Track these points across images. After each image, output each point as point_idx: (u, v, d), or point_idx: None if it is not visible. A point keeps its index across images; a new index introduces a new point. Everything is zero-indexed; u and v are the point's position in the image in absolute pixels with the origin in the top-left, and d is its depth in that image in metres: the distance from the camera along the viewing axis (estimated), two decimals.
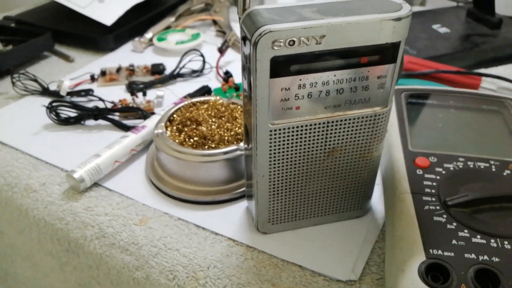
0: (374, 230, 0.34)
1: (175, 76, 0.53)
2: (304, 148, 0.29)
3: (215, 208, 0.36)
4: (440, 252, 0.25)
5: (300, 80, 0.26)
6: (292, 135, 0.28)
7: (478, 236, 0.26)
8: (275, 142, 0.28)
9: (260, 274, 0.30)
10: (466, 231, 0.26)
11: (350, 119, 0.28)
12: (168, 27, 0.65)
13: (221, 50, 0.55)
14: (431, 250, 0.25)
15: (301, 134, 0.28)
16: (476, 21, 0.63)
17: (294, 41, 0.24)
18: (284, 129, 0.28)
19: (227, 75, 0.52)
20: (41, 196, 0.38)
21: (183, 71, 0.54)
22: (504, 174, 0.31)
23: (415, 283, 0.24)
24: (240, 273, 0.30)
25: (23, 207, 0.38)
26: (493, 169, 0.31)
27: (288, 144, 0.28)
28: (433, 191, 0.29)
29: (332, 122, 0.28)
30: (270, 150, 0.29)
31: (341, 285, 0.30)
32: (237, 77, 0.53)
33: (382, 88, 0.28)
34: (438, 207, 0.28)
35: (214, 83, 0.53)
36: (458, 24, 0.63)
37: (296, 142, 0.29)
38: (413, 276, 0.24)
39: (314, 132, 0.28)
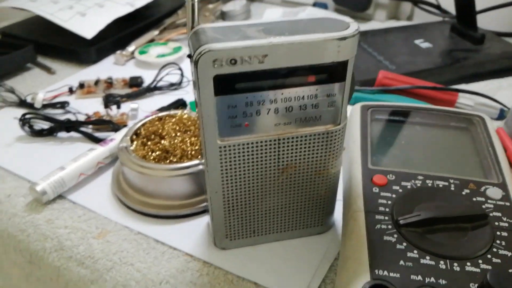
0: (335, 247, 0.33)
1: (152, 89, 0.53)
2: (256, 165, 0.29)
3: (176, 223, 0.36)
4: (386, 273, 0.25)
5: (247, 98, 0.26)
6: (243, 152, 0.28)
7: (428, 257, 0.26)
8: (225, 158, 0.28)
9: None
10: (415, 251, 0.26)
11: (302, 137, 0.28)
12: (151, 40, 0.65)
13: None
14: (376, 271, 0.25)
15: (252, 151, 0.28)
16: (460, 36, 0.63)
17: (236, 60, 0.24)
18: (233, 145, 0.28)
19: None
20: (6, 207, 0.38)
21: (161, 84, 0.54)
22: (463, 193, 0.30)
23: None
24: None
25: None
26: (452, 188, 0.30)
27: (239, 160, 0.28)
28: (387, 209, 0.29)
29: (283, 139, 0.28)
30: (222, 167, 0.28)
31: None
32: None
33: (333, 106, 0.28)
34: (390, 226, 0.28)
35: (191, 96, 0.53)
36: (441, 39, 0.62)
37: (248, 159, 0.28)
38: None
39: (266, 149, 0.28)
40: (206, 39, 0.24)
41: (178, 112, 0.41)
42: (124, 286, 0.31)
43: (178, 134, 0.38)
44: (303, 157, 0.29)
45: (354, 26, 0.26)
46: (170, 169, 0.35)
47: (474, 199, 0.30)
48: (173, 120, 0.40)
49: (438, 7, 0.74)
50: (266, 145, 0.28)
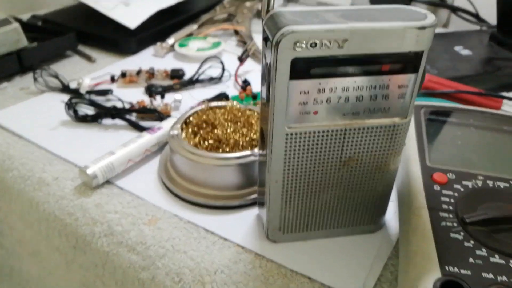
0: (387, 246, 0.33)
1: (193, 81, 0.53)
2: (320, 155, 0.28)
3: (225, 213, 0.36)
4: (456, 269, 0.24)
5: (320, 84, 0.26)
6: (308, 141, 0.28)
7: (497, 256, 0.25)
8: (290, 146, 0.28)
9: (268, 283, 0.30)
10: (484, 250, 0.25)
11: (368, 128, 0.28)
12: (190, 34, 0.65)
13: (241, 59, 0.55)
14: (447, 267, 0.24)
15: (318, 140, 0.28)
16: (499, 45, 0.62)
17: (316, 43, 0.24)
18: (300, 133, 0.27)
19: (245, 84, 0.52)
20: (53, 190, 0.38)
21: (202, 77, 0.54)
22: None
23: None
24: (248, 280, 0.30)
25: (34, 200, 0.38)
26: None
27: (303, 149, 0.28)
28: (450, 207, 0.28)
29: (350, 130, 0.28)
30: (285, 155, 0.28)
31: None
32: (255, 86, 0.53)
33: (403, 98, 0.27)
34: (455, 224, 0.27)
35: (232, 90, 0.53)
36: (480, 48, 0.62)
37: (312, 148, 0.28)
38: None
39: (331, 139, 0.28)
40: (287, 22, 0.24)
41: (228, 103, 0.41)
42: (178, 274, 0.30)
43: (229, 124, 0.38)
44: (366, 150, 0.29)
45: (432, 17, 0.25)
46: (222, 158, 0.35)
47: None
48: (221, 110, 0.40)
49: (476, 15, 0.73)
50: (332, 135, 0.28)
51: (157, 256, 0.32)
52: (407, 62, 0.26)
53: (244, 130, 0.38)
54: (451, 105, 0.39)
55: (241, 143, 0.37)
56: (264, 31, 0.26)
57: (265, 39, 0.26)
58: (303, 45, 0.24)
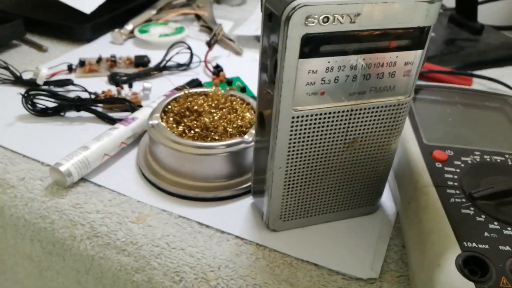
0: (387, 227, 0.32)
1: (161, 68, 0.50)
2: (325, 138, 0.27)
3: (217, 205, 0.34)
4: (474, 244, 0.24)
5: (329, 62, 0.25)
6: (314, 123, 0.26)
7: (509, 228, 0.25)
8: (296, 130, 0.26)
9: (275, 274, 0.28)
10: (496, 223, 0.26)
11: (374, 108, 0.27)
12: (148, 20, 0.62)
13: (210, 44, 0.52)
14: (465, 243, 0.24)
15: (324, 122, 0.27)
16: (458, 26, 0.64)
17: (328, 18, 0.23)
18: (307, 116, 0.26)
19: (218, 69, 0.50)
20: (20, 192, 0.34)
21: (168, 64, 0.51)
22: None
23: (453, 277, 0.23)
24: (255, 273, 0.28)
25: None
26: (510, 163, 0.30)
27: (309, 132, 0.27)
28: (455, 184, 0.28)
29: (356, 110, 0.27)
30: (290, 139, 0.27)
31: (361, 283, 0.28)
32: (229, 72, 0.50)
33: (408, 75, 0.27)
34: (464, 200, 0.27)
35: (203, 77, 0.50)
36: (441, 29, 0.64)
37: (318, 131, 0.27)
38: (451, 269, 0.23)
39: (337, 121, 0.27)
40: None
41: (209, 89, 0.38)
42: (177, 272, 0.28)
43: (214, 111, 0.36)
44: (371, 130, 0.28)
45: None
46: (212, 147, 0.33)
47: None
48: (203, 97, 0.38)
49: None
50: (338, 116, 0.27)
51: (152, 255, 0.29)
52: (414, 38, 0.25)
53: (232, 116, 0.35)
54: (434, 83, 0.40)
55: (229, 130, 0.35)
56: (266, 8, 0.24)
57: (269, 16, 0.24)
58: (315, 20, 0.22)
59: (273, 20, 0.24)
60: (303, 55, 0.24)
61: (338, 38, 0.24)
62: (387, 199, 0.35)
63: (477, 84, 0.50)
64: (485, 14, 0.66)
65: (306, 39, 0.23)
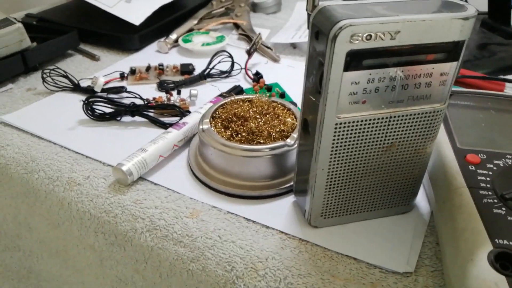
0: (422, 225, 0.34)
1: (205, 76, 0.53)
2: (365, 143, 0.30)
3: (261, 203, 0.37)
4: (506, 242, 0.26)
5: (370, 74, 0.27)
6: (356, 129, 0.29)
7: None
8: (338, 135, 0.29)
9: (317, 266, 0.31)
10: None
11: (411, 115, 0.29)
12: (190, 30, 0.65)
13: (249, 52, 0.56)
14: (497, 240, 0.26)
15: (364, 128, 0.29)
16: (491, 31, 0.65)
17: (371, 36, 0.25)
18: (349, 122, 0.29)
19: (258, 76, 0.53)
20: (86, 189, 0.38)
21: (212, 72, 0.54)
22: None
23: (485, 271, 0.25)
24: (299, 265, 0.31)
25: (66, 200, 0.38)
26: None
27: (350, 138, 0.29)
28: (488, 185, 0.30)
29: (394, 117, 0.29)
30: (333, 144, 0.29)
31: (398, 277, 0.30)
32: (267, 78, 0.54)
33: (443, 85, 0.29)
34: (495, 200, 0.29)
35: (243, 83, 0.54)
36: (474, 34, 0.65)
37: (359, 136, 0.29)
38: (483, 264, 0.25)
39: (377, 127, 0.29)
40: (340, 15, 0.25)
41: (253, 96, 0.41)
42: (229, 262, 0.31)
43: (258, 116, 0.39)
44: (407, 136, 0.30)
45: (472, 8, 0.27)
46: (257, 150, 0.36)
47: None
48: (247, 104, 0.41)
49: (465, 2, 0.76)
50: (378, 122, 0.29)
51: (205, 247, 0.32)
52: (450, 51, 0.28)
53: (275, 121, 0.38)
54: (467, 90, 0.41)
55: (272, 134, 0.38)
56: (313, 26, 0.27)
57: (316, 33, 0.27)
58: (359, 38, 0.25)
59: (320, 37, 0.27)
60: (347, 68, 0.26)
61: (380, 53, 0.26)
62: (421, 200, 0.37)
63: (510, 89, 0.51)
64: None
65: (350, 55, 0.26)
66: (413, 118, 0.30)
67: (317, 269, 0.31)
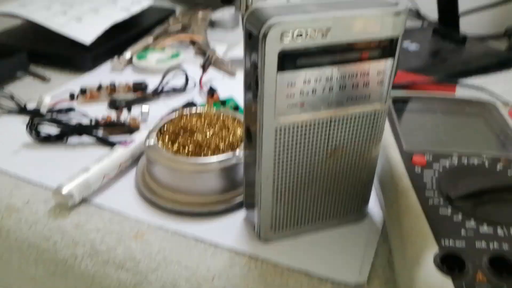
0: (375, 234, 0.33)
1: (158, 93, 0.52)
2: (308, 147, 0.29)
3: (211, 219, 0.35)
4: (451, 243, 0.25)
5: (306, 75, 0.26)
6: (297, 133, 0.28)
7: (485, 226, 0.26)
8: (280, 140, 0.28)
9: (267, 283, 0.29)
10: (472, 222, 0.27)
11: (352, 117, 0.29)
12: (146, 47, 0.64)
13: (204, 67, 0.55)
14: (443, 242, 0.25)
15: (305, 132, 0.28)
16: (442, 38, 0.66)
17: (301, 34, 0.25)
18: (288, 127, 0.28)
19: (212, 91, 0.52)
20: (25, 215, 0.36)
21: (165, 88, 0.53)
22: (497, 169, 0.32)
23: (432, 274, 0.24)
24: (246, 283, 0.29)
25: (4, 228, 0.36)
26: (486, 165, 0.32)
27: (292, 142, 0.28)
28: (433, 187, 0.30)
29: (335, 120, 0.28)
30: (275, 149, 0.28)
31: None
32: (223, 93, 0.53)
33: (381, 84, 0.29)
34: (441, 201, 0.28)
35: (198, 99, 0.52)
36: (426, 42, 0.66)
37: (300, 140, 0.28)
38: (430, 267, 0.24)
39: (318, 130, 0.28)
40: (271, 15, 0.24)
41: (202, 109, 0.40)
42: (174, 285, 0.29)
43: (208, 128, 0.38)
44: (351, 139, 0.30)
45: (403, 3, 0.27)
46: (205, 164, 0.35)
47: (509, 173, 0.31)
48: (196, 117, 0.40)
49: (417, 12, 0.78)
50: (318, 125, 0.28)
51: (149, 270, 0.31)
52: (384, 48, 0.27)
53: (222, 133, 0.37)
54: (415, 93, 0.41)
55: (221, 147, 0.36)
56: (246, 28, 0.26)
57: (249, 35, 0.26)
58: (290, 36, 0.24)
59: (253, 39, 0.26)
60: (281, 68, 0.26)
61: (312, 51, 0.26)
62: (374, 207, 0.36)
63: (462, 93, 0.52)
64: (468, 25, 0.68)
65: (282, 54, 0.25)
66: (355, 120, 0.29)
67: (266, 287, 0.29)
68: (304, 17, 0.24)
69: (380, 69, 0.28)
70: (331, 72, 0.27)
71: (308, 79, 0.26)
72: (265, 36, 0.24)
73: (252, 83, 0.27)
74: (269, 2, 0.26)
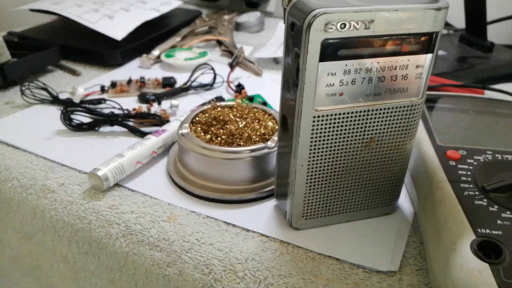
0: (405, 225, 0.34)
1: (186, 88, 0.53)
2: (344, 137, 0.29)
3: (241, 207, 0.36)
4: (488, 231, 0.26)
5: (346, 65, 0.27)
6: (334, 123, 0.29)
7: None
8: (317, 129, 0.29)
9: (299, 267, 0.30)
10: (508, 212, 0.27)
11: (389, 108, 0.29)
12: (173, 46, 0.66)
13: (232, 65, 0.56)
14: (479, 229, 0.26)
15: (342, 121, 0.29)
16: (469, 45, 0.66)
17: (345, 25, 0.25)
18: (327, 115, 0.28)
19: (240, 87, 0.53)
20: (60, 196, 0.37)
21: (193, 84, 0.54)
22: None
23: (469, 260, 0.24)
24: (280, 265, 0.30)
25: (39, 208, 0.37)
26: None
27: (329, 131, 0.29)
28: (469, 179, 0.30)
29: (372, 110, 0.29)
30: (312, 138, 0.29)
31: (382, 276, 0.29)
32: (250, 91, 0.54)
33: (419, 78, 0.29)
34: (477, 192, 0.29)
35: (225, 95, 0.53)
36: (453, 48, 0.66)
37: (337, 130, 0.29)
38: (467, 253, 0.24)
39: (355, 120, 0.29)
40: (315, 5, 0.25)
41: (233, 102, 0.41)
42: (207, 265, 0.30)
43: (239, 120, 0.38)
44: (386, 130, 0.30)
45: (444, 0, 0.27)
46: (237, 152, 0.35)
47: None
48: (228, 109, 0.41)
49: None
50: (356, 116, 0.29)
51: (182, 250, 0.31)
52: (424, 43, 0.28)
53: (255, 124, 0.38)
54: (447, 93, 0.42)
55: (253, 137, 0.37)
56: (289, 18, 0.27)
57: (292, 26, 0.27)
58: (333, 27, 0.25)
59: (295, 29, 0.27)
60: (323, 58, 0.26)
61: (354, 43, 0.26)
62: (404, 202, 0.36)
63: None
64: (495, 33, 0.69)
65: (325, 44, 0.26)
66: (391, 112, 0.30)
67: (298, 270, 0.30)
68: (348, 9, 0.25)
69: (419, 63, 0.28)
70: (371, 64, 0.27)
71: (349, 70, 0.27)
72: (309, 25, 0.25)
73: (293, 72, 0.28)
74: None
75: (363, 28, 0.26)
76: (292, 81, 0.29)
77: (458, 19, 0.70)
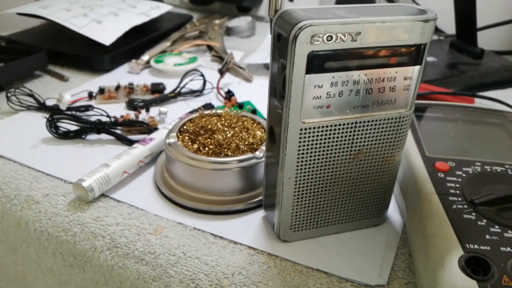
0: (394, 237, 0.33)
1: (176, 94, 0.52)
2: (332, 149, 0.29)
3: (229, 218, 0.35)
4: (476, 246, 0.25)
5: (333, 77, 0.27)
6: (321, 135, 0.28)
7: (510, 231, 0.26)
8: (304, 141, 0.28)
9: (286, 281, 0.29)
10: (497, 227, 0.27)
11: (377, 120, 0.29)
12: (163, 51, 0.65)
13: (222, 71, 0.55)
14: (467, 245, 0.25)
15: (330, 134, 0.28)
16: (459, 51, 0.66)
17: (331, 37, 0.25)
18: (314, 128, 0.28)
19: (229, 94, 0.52)
20: (44, 207, 0.36)
21: (183, 90, 0.53)
22: None
23: (457, 276, 0.24)
24: (267, 280, 0.29)
25: (23, 219, 0.36)
26: (510, 172, 0.32)
27: (316, 144, 0.29)
28: (457, 191, 0.30)
29: (360, 122, 0.29)
30: (299, 150, 0.28)
31: None
32: (240, 97, 0.53)
33: (408, 89, 0.29)
34: (465, 206, 0.28)
35: (215, 102, 0.53)
36: (443, 54, 0.66)
37: (325, 142, 0.29)
38: (454, 269, 0.24)
39: (342, 132, 0.29)
40: (302, 17, 0.25)
41: (222, 110, 0.41)
42: (193, 279, 0.30)
43: (228, 129, 0.38)
44: (374, 142, 0.30)
45: (432, 12, 0.27)
46: (225, 162, 0.35)
47: None
48: (216, 118, 0.40)
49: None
50: (343, 128, 0.29)
51: (168, 264, 0.31)
52: (412, 55, 0.27)
53: (243, 134, 0.38)
54: (436, 102, 0.41)
55: (241, 147, 0.37)
56: (275, 29, 0.27)
57: (278, 37, 0.27)
58: (320, 39, 0.25)
59: (282, 41, 0.26)
60: (309, 71, 0.26)
61: (341, 55, 0.26)
62: (393, 213, 0.36)
63: (479, 105, 0.52)
64: (485, 40, 0.69)
65: (312, 56, 0.25)
66: (379, 124, 0.29)
67: (286, 284, 0.29)
68: (335, 21, 0.25)
69: (407, 75, 0.28)
70: (359, 76, 0.27)
71: (336, 82, 0.27)
72: (295, 37, 0.24)
73: (279, 84, 0.28)
74: (299, 6, 0.27)
75: (350, 40, 0.25)
76: (279, 93, 0.28)
77: (449, 25, 0.70)
